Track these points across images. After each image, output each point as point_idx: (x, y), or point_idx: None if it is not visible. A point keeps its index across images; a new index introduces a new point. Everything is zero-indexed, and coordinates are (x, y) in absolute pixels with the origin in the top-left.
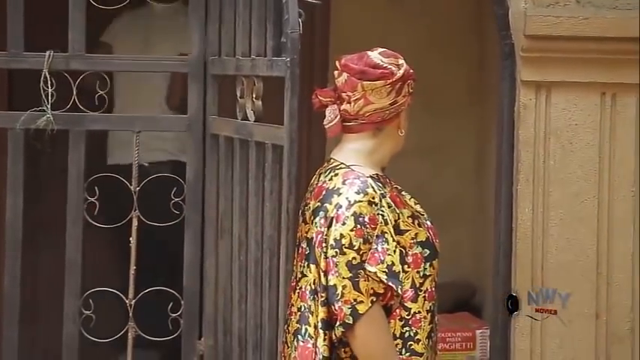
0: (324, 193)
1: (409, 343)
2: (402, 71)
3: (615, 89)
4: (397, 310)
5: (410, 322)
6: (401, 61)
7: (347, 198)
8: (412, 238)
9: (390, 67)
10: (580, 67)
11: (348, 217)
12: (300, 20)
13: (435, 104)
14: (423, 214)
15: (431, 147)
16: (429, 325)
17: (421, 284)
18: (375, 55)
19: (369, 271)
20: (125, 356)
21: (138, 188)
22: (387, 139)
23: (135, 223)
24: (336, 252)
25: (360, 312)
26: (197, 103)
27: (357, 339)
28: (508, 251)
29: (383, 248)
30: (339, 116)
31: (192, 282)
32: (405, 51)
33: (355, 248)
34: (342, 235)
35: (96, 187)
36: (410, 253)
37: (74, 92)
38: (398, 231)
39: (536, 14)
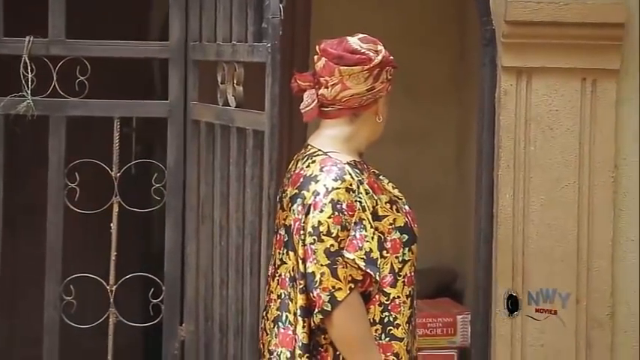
0: (301, 180)
1: (389, 328)
2: (380, 57)
3: (596, 75)
4: (376, 296)
5: (389, 308)
6: (380, 47)
7: (324, 185)
8: (390, 224)
9: (368, 52)
10: (561, 53)
11: (325, 204)
12: (281, 6)
13: (416, 91)
14: (401, 199)
15: (412, 133)
16: (409, 310)
17: (400, 269)
18: (354, 41)
19: (348, 258)
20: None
21: (119, 174)
22: (365, 125)
23: (116, 208)
24: (314, 239)
25: (339, 299)
26: (178, 89)
27: (335, 326)
28: (489, 237)
29: (361, 235)
30: (316, 101)
31: (173, 268)
32: (386, 37)
33: (333, 235)
34: (319, 223)
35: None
36: (388, 238)
37: (54, 78)
38: (376, 217)
39: (517, 0)
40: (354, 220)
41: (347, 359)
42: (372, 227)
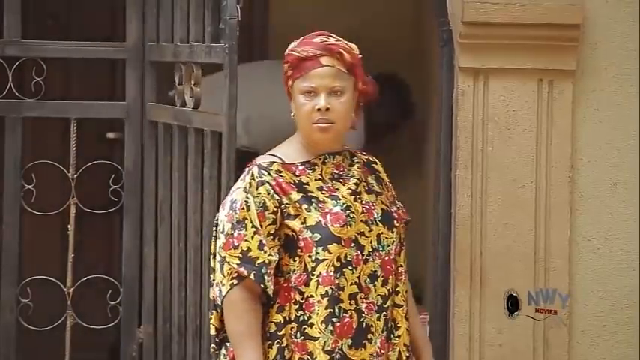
0: None
1: (303, 326)
2: (286, 51)
3: (552, 76)
4: (291, 294)
5: (303, 306)
6: (296, 44)
7: (234, 186)
8: (302, 223)
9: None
10: (517, 54)
11: (226, 203)
12: (238, 7)
13: None
14: (338, 200)
15: (370, 133)
16: (327, 309)
17: (314, 268)
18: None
19: (220, 256)
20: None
21: (76, 175)
22: (297, 121)
23: (73, 210)
24: (214, 237)
25: (223, 294)
26: (135, 90)
27: (224, 319)
28: (447, 237)
29: (239, 234)
30: None
31: (131, 269)
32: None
33: (224, 233)
34: (219, 221)
35: None
36: (300, 237)
37: (10, 79)
38: (286, 216)
39: (473, 0)
40: (237, 219)
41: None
42: (253, 227)
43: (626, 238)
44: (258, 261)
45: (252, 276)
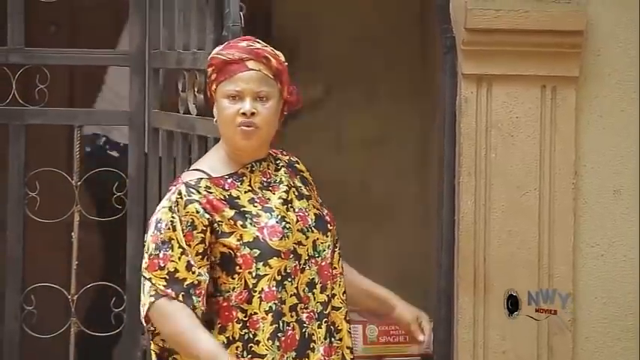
0: None
1: (249, 345)
2: (210, 55)
3: (555, 82)
4: (233, 313)
5: (247, 324)
6: (221, 47)
7: (159, 205)
8: (238, 240)
9: None
10: (521, 60)
11: (151, 223)
12: (241, 13)
13: (377, 97)
14: (272, 211)
15: (373, 140)
16: (272, 325)
17: (255, 285)
18: None
19: (145, 278)
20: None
21: (79, 183)
22: (220, 127)
23: (77, 217)
24: (143, 257)
25: (147, 308)
26: (138, 97)
27: (158, 329)
28: (450, 244)
29: (165, 255)
30: None
31: (135, 276)
32: (348, 42)
33: (149, 254)
34: (145, 241)
35: None
36: (239, 254)
37: (13, 86)
38: (221, 234)
39: (476, 7)
40: (161, 240)
41: None
42: (180, 247)
43: (630, 244)
44: (187, 282)
45: (180, 297)
